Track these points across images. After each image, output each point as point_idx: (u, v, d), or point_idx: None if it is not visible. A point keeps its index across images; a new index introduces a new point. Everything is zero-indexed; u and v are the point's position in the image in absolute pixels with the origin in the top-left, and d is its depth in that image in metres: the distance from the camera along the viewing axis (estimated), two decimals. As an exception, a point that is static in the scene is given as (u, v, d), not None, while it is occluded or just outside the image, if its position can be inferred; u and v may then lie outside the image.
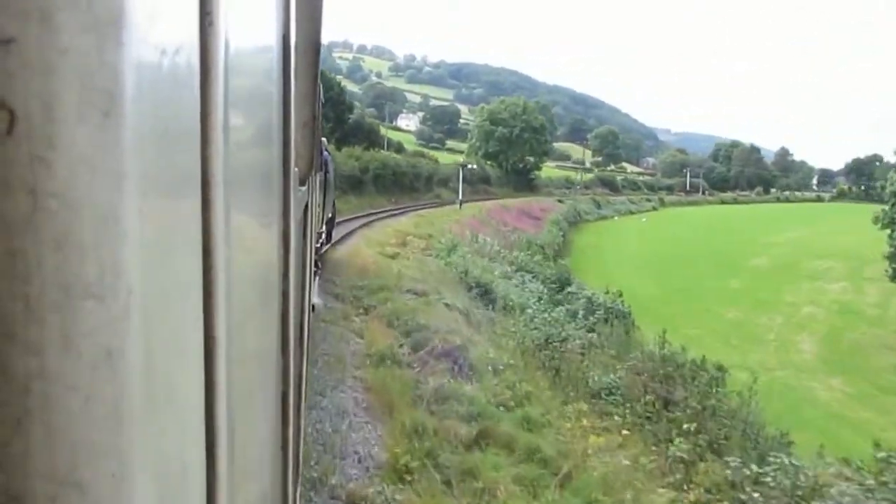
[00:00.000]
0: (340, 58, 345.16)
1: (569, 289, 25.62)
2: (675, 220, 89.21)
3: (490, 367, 12.32)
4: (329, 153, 13.84)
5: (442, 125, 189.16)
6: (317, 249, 10.87)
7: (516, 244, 38.64)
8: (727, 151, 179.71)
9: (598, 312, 21.50)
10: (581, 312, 21.27)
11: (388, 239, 27.64)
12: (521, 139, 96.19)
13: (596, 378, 14.26)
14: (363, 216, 36.75)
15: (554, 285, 25.72)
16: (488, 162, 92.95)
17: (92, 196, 0.37)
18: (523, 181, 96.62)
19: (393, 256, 23.52)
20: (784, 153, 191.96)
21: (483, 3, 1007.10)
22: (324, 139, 10.69)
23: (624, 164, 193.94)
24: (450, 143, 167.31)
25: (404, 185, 61.28)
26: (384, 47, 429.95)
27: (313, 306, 7.13)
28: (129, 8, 0.39)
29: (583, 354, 15.92)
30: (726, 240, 70.01)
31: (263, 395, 1.36)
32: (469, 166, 74.55)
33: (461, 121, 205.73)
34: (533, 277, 28.30)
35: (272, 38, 1.31)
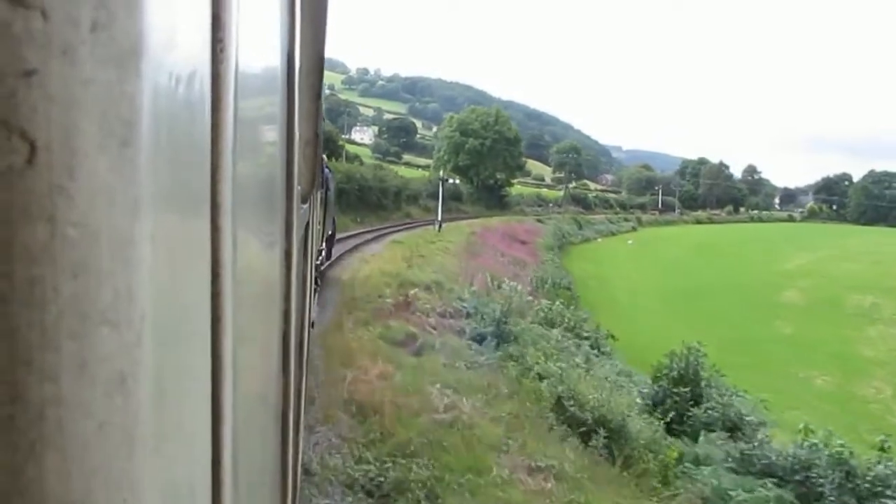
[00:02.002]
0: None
1: (709, 400, 14.57)
2: (662, 243, 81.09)
3: None
4: (330, 170, 14.01)
5: (398, 138, 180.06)
6: (317, 267, 9.99)
7: (537, 286, 28.87)
8: (694, 168, 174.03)
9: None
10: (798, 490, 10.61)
11: (380, 293, 17.65)
12: (494, 152, 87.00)
13: None
14: (330, 246, 26.80)
15: (679, 395, 14.47)
16: (457, 177, 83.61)
17: (109, 224, 0.38)
18: (495, 198, 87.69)
19: (404, 344, 13.60)
20: (751, 170, 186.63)
21: (437, 17, 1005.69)
22: (324, 156, 9.72)
23: (585, 181, 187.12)
24: (406, 157, 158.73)
25: (370, 201, 51.74)
26: (337, 60, 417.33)
27: (312, 323, 7.07)
28: (148, 38, 0.40)
29: None
30: (734, 267, 62.36)
31: (265, 415, 1.38)
32: (450, 181, 65.08)
33: (417, 135, 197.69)
34: (598, 353, 18.44)
35: (278, 59, 1.32)
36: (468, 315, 16.84)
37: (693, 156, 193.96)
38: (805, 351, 32.90)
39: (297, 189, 1.82)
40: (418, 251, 30.30)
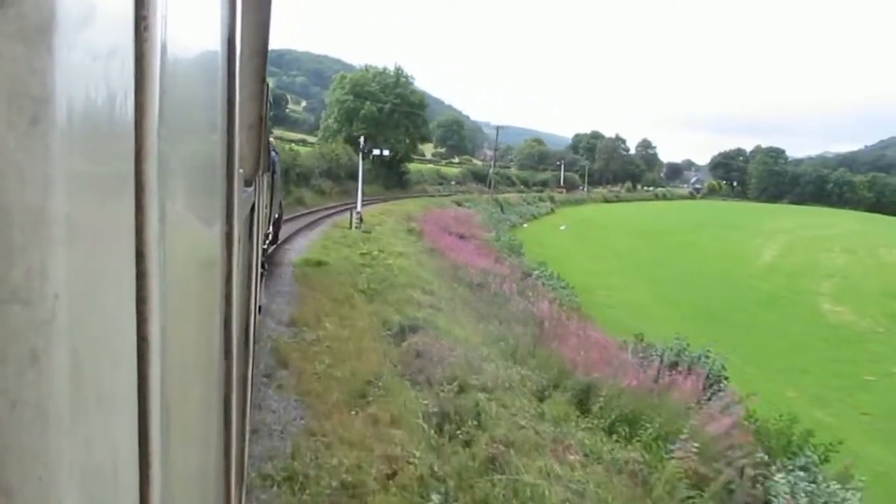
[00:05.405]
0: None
1: None
2: (595, 229, 68.84)
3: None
4: (277, 154, 14.85)
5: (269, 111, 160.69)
6: (264, 251, 9.94)
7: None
8: (589, 143, 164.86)
9: None
10: None
11: None
12: (394, 119, 70.59)
13: None
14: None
15: None
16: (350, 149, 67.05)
17: (19, 201, 0.37)
18: (394, 175, 71.70)
19: None
20: (646, 145, 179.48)
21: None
22: (272, 140, 9.71)
23: (468, 157, 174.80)
24: (277, 132, 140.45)
25: (248, 185, 34.47)
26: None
27: (260, 308, 6.88)
28: (60, 14, 0.38)
29: None
30: (707, 262, 51.11)
31: (205, 398, 1.35)
32: (380, 153, 48.79)
33: (288, 108, 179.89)
34: None
35: (216, 42, 1.31)
36: None
37: (561, 133, 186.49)
38: None
39: (238, 172, 1.82)
40: (377, 294, 14.21)
